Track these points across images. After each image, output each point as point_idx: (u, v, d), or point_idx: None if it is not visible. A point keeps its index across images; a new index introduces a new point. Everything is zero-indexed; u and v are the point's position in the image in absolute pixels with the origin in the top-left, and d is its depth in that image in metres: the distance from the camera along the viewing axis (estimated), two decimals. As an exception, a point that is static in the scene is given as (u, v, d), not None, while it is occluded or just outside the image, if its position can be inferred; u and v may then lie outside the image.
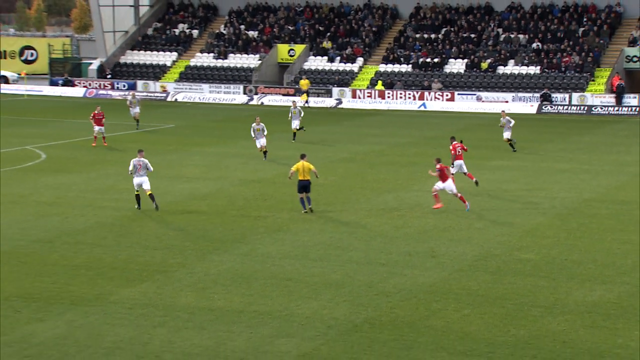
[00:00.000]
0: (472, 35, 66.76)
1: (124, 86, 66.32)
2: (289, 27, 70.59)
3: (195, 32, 72.06)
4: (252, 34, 70.68)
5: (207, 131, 47.30)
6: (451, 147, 31.39)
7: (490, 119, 51.23)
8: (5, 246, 22.62)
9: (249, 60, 68.54)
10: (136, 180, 26.91)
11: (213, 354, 15.83)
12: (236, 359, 15.63)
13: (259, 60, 68.26)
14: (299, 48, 68.07)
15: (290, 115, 42.84)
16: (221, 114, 56.19)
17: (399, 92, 62.18)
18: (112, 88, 66.46)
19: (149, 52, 70.90)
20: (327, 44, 68.40)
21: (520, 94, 60.57)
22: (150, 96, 64.92)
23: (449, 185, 26.86)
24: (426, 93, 61.69)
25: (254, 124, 37.11)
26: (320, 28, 70.00)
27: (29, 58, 79.53)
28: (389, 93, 62.23)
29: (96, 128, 39.48)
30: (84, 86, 66.85)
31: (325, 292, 19.31)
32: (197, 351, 15.93)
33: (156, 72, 68.73)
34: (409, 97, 61.83)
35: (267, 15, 72.14)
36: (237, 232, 24.58)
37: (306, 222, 25.52)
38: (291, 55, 68.09)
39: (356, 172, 34.05)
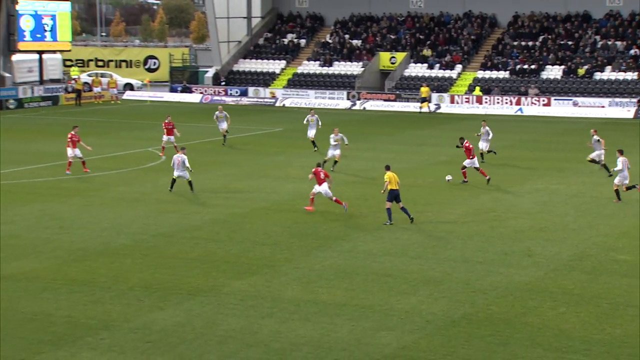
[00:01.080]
0: (570, 43, 65.20)
1: (237, 92, 67.39)
2: (391, 36, 70.43)
3: (302, 42, 72.61)
4: (356, 42, 70.78)
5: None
6: (466, 144, 31.47)
7: (586, 124, 49.93)
8: (129, 240, 23.27)
9: (353, 68, 68.65)
10: (176, 172, 29.29)
11: (317, 344, 15.91)
12: (339, 350, 15.67)
13: (362, 67, 68.31)
14: (400, 56, 67.82)
15: (306, 121, 40.16)
16: (325, 119, 56.31)
17: (496, 98, 61.21)
18: (226, 94, 67.60)
19: (259, 61, 71.81)
20: (427, 52, 67.90)
21: (617, 99, 58.82)
22: (260, 102, 65.74)
23: (324, 188, 26.34)
24: (523, 98, 60.54)
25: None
26: (421, 37, 69.57)
27: (152, 67, 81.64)
28: (486, 98, 61.33)
29: (165, 138, 37.77)
30: (200, 92, 68.20)
31: (424, 288, 19.17)
32: (303, 341, 16.03)
33: (266, 79, 69.56)
34: (506, 102, 60.79)
35: (370, 25, 72.15)
36: (339, 230, 24.64)
37: (405, 222, 25.38)
38: (392, 63, 67.90)
39: (453, 174, 33.67)
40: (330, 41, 71.62)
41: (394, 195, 25.16)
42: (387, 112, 60.54)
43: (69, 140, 33.29)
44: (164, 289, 18.95)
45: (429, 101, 60.95)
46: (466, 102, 61.90)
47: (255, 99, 66.17)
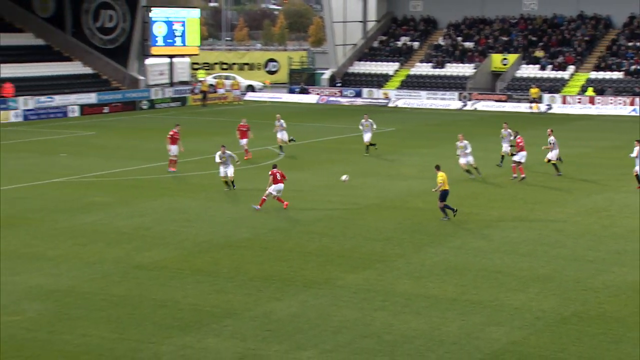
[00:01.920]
0: (686, 43, 62.32)
1: (351, 93, 67.53)
2: (503, 37, 69.04)
3: (415, 44, 72.10)
4: (468, 44, 69.75)
5: (424, 134, 47.18)
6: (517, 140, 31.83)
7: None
8: (249, 234, 23.66)
9: (464, 69, 67.68)
10: (222, 168, 28.78)
11: (428, 337, 15.76)
12: (450, 343, 15.48)
13: (474, 69, 67.25)
14: (512, 57, 66.40)
15: (361, 126, 38.73)
16: (437, 119, 55.84)
17: (609, 98, 59.10)
18: (341, 95, 67.85)
19: (374, 63, 71.71)
20: (539, 53, 66.22)
21: None
22: (374, 102, 65.65)
23: (278, 188, 26.23)
24: (637, 99, 58.22)
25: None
26: (533, 38, 67.92)
27: (272, 69, 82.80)
28: (599, 99, 59.31)
29: (243, 141, 36.98)
30: (317, 93, 68.68)
31: (534, 285, 18.71)
32: (414, 334, 15.92)
33: (379, 81, 69.41)
34: (620, 103, 58.62)
35: (482, 27, 70.95)
36: (449, 227, 24.33)
37: (515, 220, 24.83)
38: (504, 64, 66.55)
39: (564, 173, 32.72)
40: (442, 43, 70.84)
41: (445, 195, 24.82)
42: (498, 112, 59.37)
43: (169, 137, 33.10)
44: (281, 281, 19.17)
45: (540, 102, 59.48)
46: (578, 102, 60.05)
47: (369, 100, 66.13)
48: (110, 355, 14.82)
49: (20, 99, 53.11)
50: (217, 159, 29.03)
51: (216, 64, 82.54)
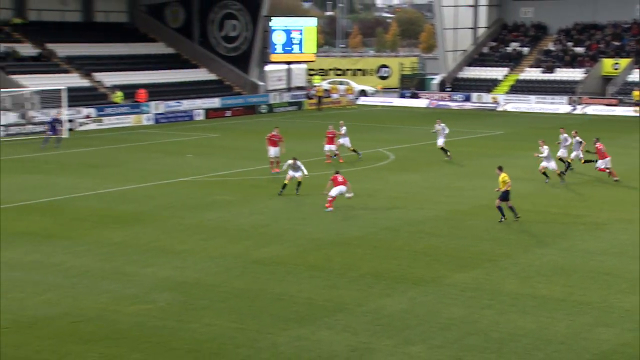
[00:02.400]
0: None
1: (460, 97, 66.66)
2: (615, 42, 66.56)
3: (525, 50, 70.45)
4: (579, 50, 67.61)
5: (532, 137, 45.92)
6: (597, 146, 30.81)
7: None
8: (360, 232, 23.71)
9: (574, 74, 65.64)
10: (290, 173, 28.57)
11: (536, 336, 15.40)
12: (557, 343, 15.07)
13: (584, 73, 65.12)
14: (624, 62, 63.93)
15: (434, 131, 37.68)
16: (545, 123, 54.38)
17: None
18: (450, 99, 67.07)
19: (483, 68, 70.51)
20: (651, 57, 63.56)
21: None
22: (483, 106, 64.57)
23: (341, 189, 26.29)
24: None
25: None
26: (645, 43, 65.23)
27: (384, 75, 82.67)
28: None
29: (330, 147, 36.31)
30: (427, 98, 68.14)
31: (643, 288, 17.97)
32: (522, 332, 15.58)
33: (488, 85, 68.18)
34: None
35: (594, 33, 68.64)
36: (557, 228, 23.67)
37: (624, 222, 23.90)
38: (615, 69, 64.14)
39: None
40: (553, 49, 68.94)
41: (506, 195, 24.13)
42: (608, 116, 57.33)
43: (268, 139, 32.82)
44: (390, 278, 19.14)
45: (644, 104, 57.10)
46: (690, 105, 57.24)
47: (478, 104, 65.08)
48: (231, 343, 15.17)
49: (152, 103, 55.05)
50: (284, 167, 29.28)
51: (331, 70, 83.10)
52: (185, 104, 57.44)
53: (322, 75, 79.99)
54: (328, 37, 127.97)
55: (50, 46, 57.54)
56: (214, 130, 49.57)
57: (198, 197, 28.52)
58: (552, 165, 30.58)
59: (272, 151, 32.92)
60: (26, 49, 55.86)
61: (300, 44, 66.66)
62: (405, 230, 23.88)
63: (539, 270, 19.46)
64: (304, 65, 72.64)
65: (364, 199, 28.31)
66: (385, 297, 17.81)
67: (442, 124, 37.47)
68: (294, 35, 66.30)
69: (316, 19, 71.44)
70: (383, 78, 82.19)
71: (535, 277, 18.93)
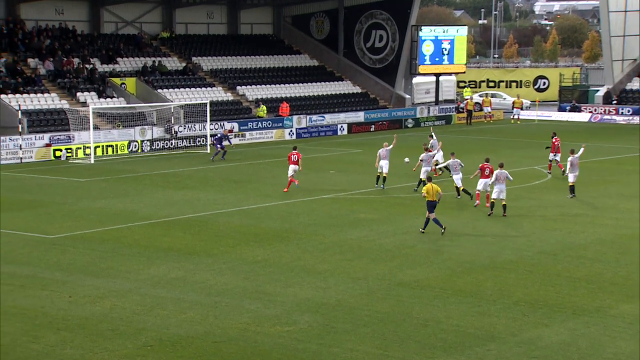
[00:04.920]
0: None
1: (629, 111, 63.95)
2: None
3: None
4: None
5: None
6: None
7: None
8: (514, 255, 23.18)
9: None
10: (497, 187, 28.09)
11: None
12: None
13: None
14: None
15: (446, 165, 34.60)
16: None
17: None
18: (617, 113, 64.49)
19: (654, 79, 67.45)
20: None
21: None
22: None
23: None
24: None
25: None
26: None
27: (541, 87, 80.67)
28: None
29: (556, 156, 37.61)
30: (589, 112, 65.87)
31: None
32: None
33: (661, 98, 65.13)
34: None
35: None
36: None
37: None
38: None
39: None
40: None
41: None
42: None
43: (289, 157, 33.66)
44: (548, 306, 18.57)
45: None
46: None
47: (648, 118, 62.18)
48: (373, 370, 15.18)
49: (295, 117, 56.25)
50: (493, 179, 28.56)
51: (482, 81, 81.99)
52: (328, 118, 58.31)
53: (472, 87, 79.07)
54: (480, 46, 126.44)
55: (196, 59, 60.12)
56: (357, 146, 50.00)
57: (340, 215, 28.82)
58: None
59: (291, 169, 33.59)
60: (172, 63, 58.62)
61: (450, 54, 66.24)
62: (565, 254, 23.13)
63: None
64: (454, 77, 72.06)
65: (518, 220, 27.66)
66: (542, 327, 17.29)
67: (457, 160, 33.14)
68: (444, 46, 65.96)
69: (466, 28, 70.71)
70: (540, 90, 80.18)
71: None
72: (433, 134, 38.98)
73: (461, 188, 31.47)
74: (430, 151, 33.91)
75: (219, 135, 44.53)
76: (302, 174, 38.75)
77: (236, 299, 19.19)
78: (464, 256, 23.08)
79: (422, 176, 32.23)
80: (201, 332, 17.12)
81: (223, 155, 43.34)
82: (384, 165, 34.05)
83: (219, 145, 43.46)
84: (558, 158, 37.46)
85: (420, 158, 33.31)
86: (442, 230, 25.54)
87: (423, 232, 25.73)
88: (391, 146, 34.83)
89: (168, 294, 19.56)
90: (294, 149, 34.64)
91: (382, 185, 34.06)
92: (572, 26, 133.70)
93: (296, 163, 33.80)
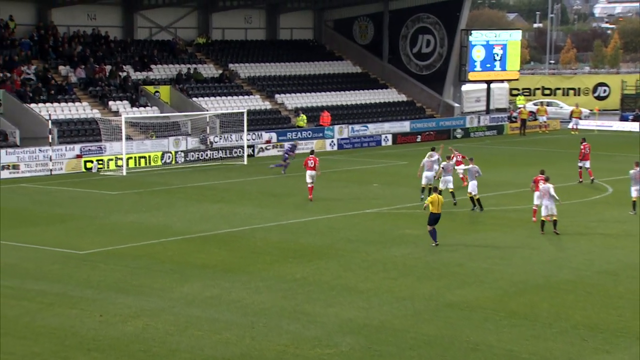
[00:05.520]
0: None
1: None
2: None
3: None
4: None
5: None
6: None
7: None
8: (572, 275, 22.92)
9: None
10: (543, 203, 27.72)
11: None
12: None
13: None
14: None
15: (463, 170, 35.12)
16: None
17: None
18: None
19: None
20: None
21: None
22: None
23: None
24: None
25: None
26: None
27: (602, 94, 79.77)
28: None
29: (585, 164, 38.30)
30: (653, 121, 64.97)
31: None
32: None
33: None
34: None
35: None
36: None
37: None
38: None
39: None
40: None
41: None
42: None
43: (305, 163, 34.56)
44: (609, 331, 18.31)
45: None
46: None
47: None
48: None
49: (336, 127, 56.37)
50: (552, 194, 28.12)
51: (537, 89, 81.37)
52: (372, 128, 58.34)
53: (526, 95, 78.49)
54: (535, 52, 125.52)
55: (233, 66, 60.59)
56: (402, 157, 49.91)
57: (384, 231, 28.77)
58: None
59: (308, 176, 34.40)
60: (208, 70, 59.17)
61: (502, 60, 65.90)
62: (627, 274, 22.81)
63: None
64: (506, 85, 71.61)
65: (576, 237, 27.35)
66: (603, 353, 17.06)
67: (476, 166, 32.70)
68: (496, 51, 65.63)
69: (520, 32, 70.30)
70: (600, 98, 79.30)
71: None
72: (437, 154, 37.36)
73: (476, 197, 31.48)
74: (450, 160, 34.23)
75: (289, 145, 44.05)
76: (344, 187, 38.75)
77: (274, 319, 19.24)
78: (517, 275, 22.88)
79: (441, 186, 32.24)
80: (237, 354, 17.18)
81: (284, 169, 42.55)
82: (429, 177, 34.07)
83: (286, 156, 42.73)
84: (587, 165, 38.34)
85: (441, 166, 33.53)
86: (434, 244, 26.05)
87: (437, 245, 26.15)
88: (437, 156, 34.75)
89: (202, 314, 19.67)
90: (311, 153, 35.71)
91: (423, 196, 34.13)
92: (636, 29, 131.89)
93: (313, 168, 34.52)
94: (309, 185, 34.64)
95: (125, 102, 51.90)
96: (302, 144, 53.38)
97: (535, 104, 71.41)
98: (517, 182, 38.18)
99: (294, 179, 41.20)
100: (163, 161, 46.97)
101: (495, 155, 51.43)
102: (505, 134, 63.14)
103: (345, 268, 23.88)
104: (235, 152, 49.35)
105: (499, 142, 58.63)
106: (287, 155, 43.15)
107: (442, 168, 33.37)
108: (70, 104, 49.77)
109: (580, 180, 38.77)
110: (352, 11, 68.34)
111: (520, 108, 66.77)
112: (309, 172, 34.59)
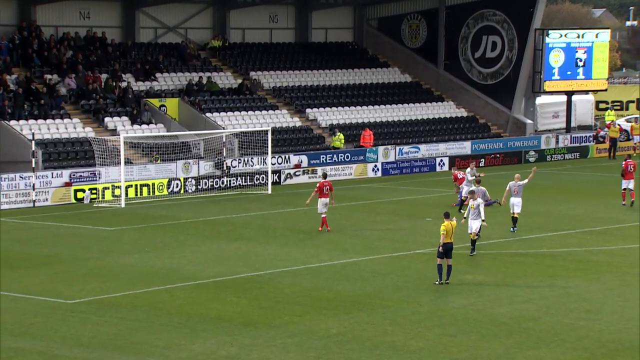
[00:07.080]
0: None
1: None
2: None
3: None
4: None
5: None
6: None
7: None
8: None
9: None
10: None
11: None
12: None
13: None
14: None
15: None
16: None
17: None
18: None
19: None
20: None
21: None
22: None
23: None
24: None
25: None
26: None
27: None
28: None
29: (629, 184, 40.85)
30: None
31: None
32: None
33: None
34: None
35: None
36: None
37: None
38: None
39: None
40: None
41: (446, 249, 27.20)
42: None
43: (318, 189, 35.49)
44: None
45: None
46: None
47: None
48: None
49: (381, 148, 56.33)
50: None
51: (631, 102, 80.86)
52: (424, 150, 58.34)
53: (617, 109, 78.00)
54: (628, 56, 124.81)
55: (255, 75, 60.86)
56: (464, 186, 49.70)
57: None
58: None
59: (321, 204, 35.43)
60: (225, 79, 59.51)
61: (587, 66, 65.67)
62: None
63: None
64: (592, 97, 71.29)
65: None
66: None
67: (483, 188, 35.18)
68: (579, 56, 65.42)
69: (609, 31, 70.03)
70: None
71: None
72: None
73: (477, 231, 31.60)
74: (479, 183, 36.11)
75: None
76: (390, 222, 38.69)
77: (304, 385, 19.23)
78: (607, 334, 22.70)
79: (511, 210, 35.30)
80: None
81: (461, 203, 40.16)
82: (516, 204, 35.20)
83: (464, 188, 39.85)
84: (631, 186, 40.65)
85: (471, 189, 34.27)
86: (438, 282, 27.32)
87: (448, 283, 27.12)
88: (526, 181, 35.53)
89: (217, 378, 19.73)
90: (324, 177, 36.77)
91: (512, 228, 35.52)
92: None
93: (327, 196, 35.19)
94: (323, 216, 35.63)
95: (125, 118, 52.39)
96: (338, 169, 53.45)
97: (628, 120, 70.88)
98: (605, 217, 37.88)
99: (327, 213, 41.25)
100: (170, 190, 47.26)
101: (577, 184, 51.14)
102: (590, 157, 62.78)
103: (391, 322, 23.83)
104: (257, 179, 49.55)
105: (582, 167, 58.31)
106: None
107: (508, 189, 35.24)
108: (57, 120, 50.23)
109: (624, 202, 40.61)
110: (400, 7, 68.54)
111: (609, 124, 66.37)
112: (321, 200, 35.58)
